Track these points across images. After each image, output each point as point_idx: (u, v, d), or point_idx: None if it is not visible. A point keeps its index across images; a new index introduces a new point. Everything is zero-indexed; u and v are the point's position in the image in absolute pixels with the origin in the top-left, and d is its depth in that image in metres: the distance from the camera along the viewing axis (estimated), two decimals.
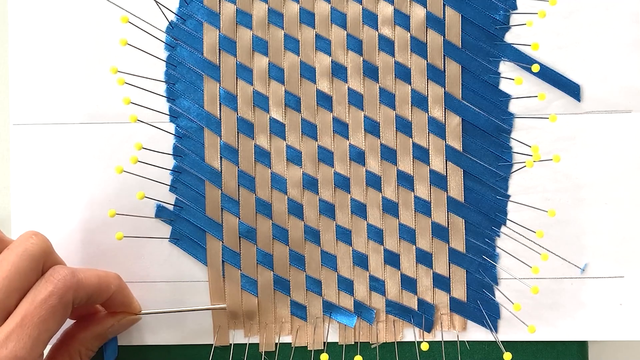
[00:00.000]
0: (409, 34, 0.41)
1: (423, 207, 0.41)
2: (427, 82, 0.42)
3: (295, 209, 0.42)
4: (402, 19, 0.41)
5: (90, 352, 0.39)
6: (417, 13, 0.41)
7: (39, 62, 0.42)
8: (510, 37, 0.41)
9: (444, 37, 0.41)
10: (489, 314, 0.41)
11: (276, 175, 0.42)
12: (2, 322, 0.33)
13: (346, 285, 0.41)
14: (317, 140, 0.42)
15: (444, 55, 0.41)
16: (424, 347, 0.39)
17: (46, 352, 0.38)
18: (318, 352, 0.41)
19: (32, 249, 0.34)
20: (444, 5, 0.41)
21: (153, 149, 0.41)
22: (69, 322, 0.39)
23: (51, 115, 0.42)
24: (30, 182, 0.42)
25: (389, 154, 0.41)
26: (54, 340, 0.38)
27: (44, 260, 0.35)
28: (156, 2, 0.41)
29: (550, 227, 0.41)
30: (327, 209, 0.42)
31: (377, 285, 0.41)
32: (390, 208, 0.41)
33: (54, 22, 0.42)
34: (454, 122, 0.41)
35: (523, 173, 0.41)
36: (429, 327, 0.41)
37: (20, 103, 0.42)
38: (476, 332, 0.41)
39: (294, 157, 0.42)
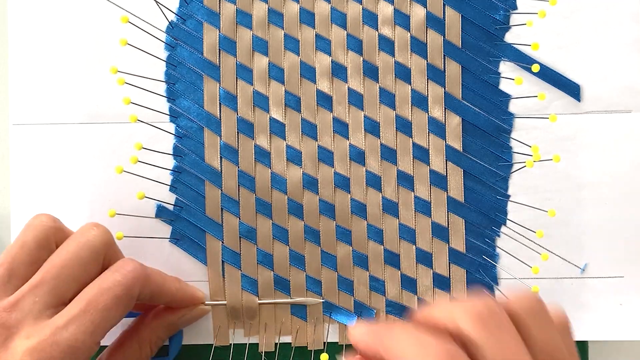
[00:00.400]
0: (409, 34, 0.41)
1: (423, 207, 0.41)
2: (427, 82, 0.42)
3: (295, 209, 0.42)
4: (402, 19, 0.41)
5: (160, 342, 0.39)
6: (417, 13, 0.41)
7: (38, 62, 0.42)
8: (510, 37, 0.41)
9: (444, 37, 0.41)
10: None
11: (276, 175, 0.42)
12: (56, 308, 0.33)
13: (346, 285, 0.41)
14: (317, 140, 0.42)
15: (444, 55, 0.41)
16: None
17: (112, 338, 0.38)
18: (318, 352, 0.41)
19: (94, 240, 0.35)
20: (444, 5, 0.41)
21: (153, 149, 0.41)
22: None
23: (51, 115, 0.42)
24: (30, 182, 0.42)
25: (389, 154, 0.41)
26: (121, 327, 0.38)
27: (104, 252, 0.35)
28: (156, 2, 0.41)
29: (550, 227, 0.41)
30: (327, 209, 0.42)
31: (377, 285, 0.41)
32: (390, 208, 0.41)
33: (54, 22, 0.42)
34: (454, 122, 0.41)
35: (523, 173, 0.41)
36: None
37: (20, 103, 0.42)
38: None
39: (294, 157, 0.42)
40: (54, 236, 0.36)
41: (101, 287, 0.34)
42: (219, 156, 0.42)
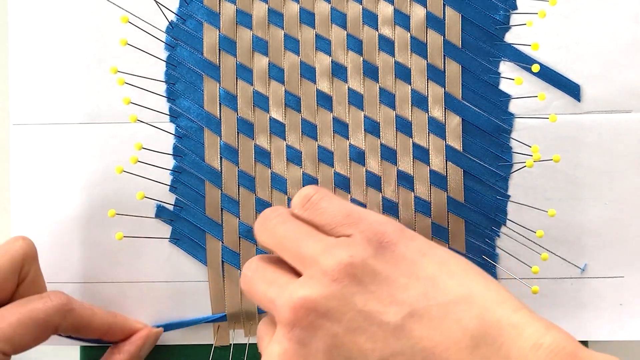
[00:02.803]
0: (409, 34, 0.41)
1: (423, 207, 0.41)
2: (427, 82, 0.42)
3: None
4: (402, 19, 0.41)
5: None
6: (417, 13, 0.41)
7: (38, 62, 0.42)
8: (510, 37, 0.41)
9: (444, 37, 0.41)
10: None
11: (276, 175, 0.42)
12: None
13: None
14: (317, 140, 0.42)
15: (444, 55, 0.41)
16: None
17: None
18: None
19: (16, 251, 0.36)
20: (444, 5, 0.41)
21: (153, 149, 0.41)
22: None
23: (51, 115, 0.42)
24: (30, 182, 0.42)
25: (389, 154, 0.41)
26: None
27: (22, 265, 0.36)
28: (156, 2, 0.41)
29: (550, 227, 0.41)
30: None
31: None
32: (390, 208, 0.41)
33: (54, 22, 0.42)
34: (454, 122, 0.41)
35: (523, 173, 0.41)
36: None
37: (20, 103, 0.42)
38: None
39: (294, 157, 0.42)
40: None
41: (22, 303, 0.35)
42: (219, 156, 0.42)
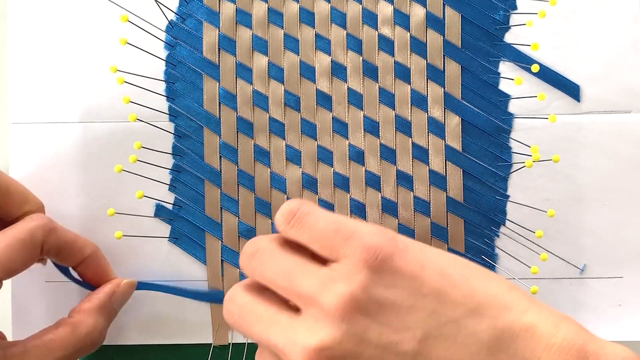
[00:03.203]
0: (408, 34, 0.41)
1: (422, 207, 0.41)
2: (427, 82, 0.42)
3: None
4: (401, 19, 0.41)
5: (98, 327, 0.38)
6: (417, 13, 0.41)
7: (38, 61, 0.42)
8: (510, 37, 0.41)
9: (444, 37, 0.41)
10: None
11: (275, 174, 0.42)
12: None
13: None
14: (316, 140, 0.42)
15: (443, 55, 0.41)
16: None
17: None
18: None
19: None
20: (443, 5, 0.41)
21: (152, 148, 0.41)
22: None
23: (50, 114, 0.42)
24: (29, 181, 0.42)
25: (388, 154, 0.41)
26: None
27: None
28: (156, 1, 0.41)
29: (550, 227, 0.41)
30: (327, 209, 0.41)
31: None
32: (390, 208, 0.41)
33: (53, 20, 0.42)
34: (453, 122, 0.41)
35: (522, 173, 0.41)
36: None
37: (20, 102, 0.42)
38: None
39: (294, 156, 0.42)
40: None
41: (6, 231, 0.36)
42: (218, 155, 0.42)
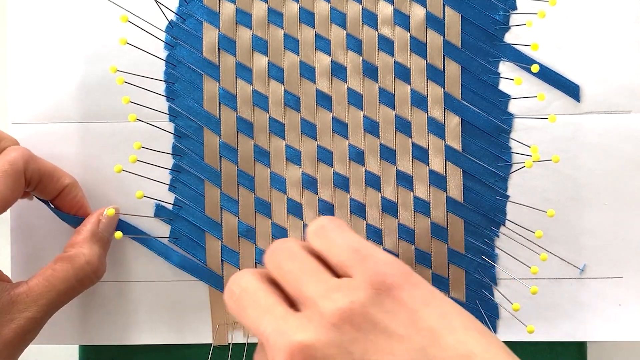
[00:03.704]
0: (408, 34, 0.41)
1: (422, 207, 0.41)
2: (427, 82, 0.42)
3: (295, 209, 0.42)
4: (401, 19, 0.41)
5: (96, 257, 0.39)
6: (417, 13, 0.41)
7: (38, 61, 0.42)
8: (510, 37, 0.41)
9: (444, 37, 0.41)
10: (487, 314, 0.41)
11: (275, 174, 0.42)
12: None
13: None
14: (316, 140, 0.42)
15: (443, 56, 0.41)
16: None
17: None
18: None
19: (11, 157, 0.38)
20: (443, 5, 0.41)
21: (152, 148, 0.41)
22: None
23: (50, 114, 0.42)
24: None
25: (388, 154, 0.41)
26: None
27: (23, 166, 0.38)
28: (156, 1, 0.40)
29: (550, 227, 0.41)
30: (327, 209, 0.42)
31: None
32: (390, 208, 0.41)
33: (53, 20, 0.42)
34: (453, 122, 0.41)
35: (522, 173, 0.41)
36: None
37: (19, 102, 0.42)
38: None
39: (294, 156, 0.42)
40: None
41: None
42: (218, 155, 0.42)
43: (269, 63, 0.42)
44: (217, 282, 0.42)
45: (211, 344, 0.42)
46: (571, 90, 0.41)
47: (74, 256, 0.38)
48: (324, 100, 0.42)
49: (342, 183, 0.42)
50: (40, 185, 0.39)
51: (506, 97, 0.41)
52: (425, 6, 0.41)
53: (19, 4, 0.42)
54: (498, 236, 0.41)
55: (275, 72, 0.42)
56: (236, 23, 0.42)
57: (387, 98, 0.41)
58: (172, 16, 0.42)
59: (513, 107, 0.41)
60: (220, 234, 0.42)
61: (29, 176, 0.38)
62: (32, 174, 0.38)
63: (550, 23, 0.41)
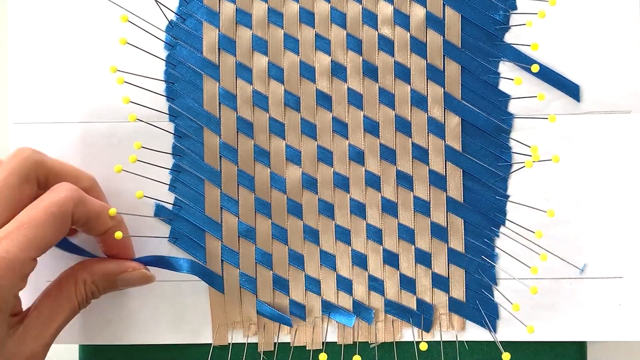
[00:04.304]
0: (408, 34, 0.41)
1: (422, 207, 0.41)
2: (427, 82, 0.41)
3: (295, 209, 0.42)
4: (401, 19, 0.41)
5: (94, 288, 0.39)
6: (417, 13, 0.41)
7: (38, 61, 0.42)
8: (510, 37, 0.41)
9: (444, 37, 0.41)
10: (487, 314, 0.41)
11: (275, 174, 0.42)
12: None
13: (345, 285, 0.41)
14: (316, 140, 0.42)
15: (443, 55, 0.41)
16: (423, 347, 0.39)
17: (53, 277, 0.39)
18: (317, 352, 0.41)
19: (22, 163, 0.37)
20: (443, 5, 0.41)
21: (152, 148, 0.41)
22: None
23: (50, 114, 0.42)
24: None
25: (388, 154, 0.41)
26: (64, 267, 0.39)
27: (35, 173, 0.37)
28: (156, 1, 0.40)
29: (549, 227, 0.41)
30: (327, 209, 0.42)
31: (376, 285, 0.41)
32: (390, 208, 0.41)
33: (53, 21, 0.42)
34: (453, 122, 0.41)
35: (522, 173, 0.41)
36: (427, 327, 0.41)
37: (20, 102, 0.42)
38: (475, 332, 0.41)
39: (293, 156, 0.42)
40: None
41: (36, 206, 0.36)
42: (218, 155, 0.42)
43: (269, 63, 0.42)
44: (217, 283, 0.42)
45: (211, 344, 0.42)
46: (571, 90, 0.41)
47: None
48: (324, 100, 0.42)
49: (342, 183, 0.42)
50: (85, 227, 0.38)
51: (506, 97, 0.41)
52: (425, 6, 0.41)
53: (19, 5, 0.42)
54: (498, 236, 0.41)
55: (275, 72, 0.42)
56: (236, 23, 0.42)
57: (387, 98, 0.41)
58: (172, 16, 0.42)
59: (513, 107, 0.41)
60: (220, 234, 0.42)
61: (76, 219, 0.37)
62: (80, 217, 0.37)
63: (550, 23, 0.41)
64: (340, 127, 0.42)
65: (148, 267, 0.41)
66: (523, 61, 0.41)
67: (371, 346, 0.42)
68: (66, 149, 0.42)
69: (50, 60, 0.42)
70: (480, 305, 0.41)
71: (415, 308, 0.41)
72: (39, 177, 0.38)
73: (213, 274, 0.41)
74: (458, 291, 0.41)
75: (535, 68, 0.39)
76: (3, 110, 0.44)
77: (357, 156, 0.42)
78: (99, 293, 0.39)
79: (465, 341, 0.42)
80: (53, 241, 0.36)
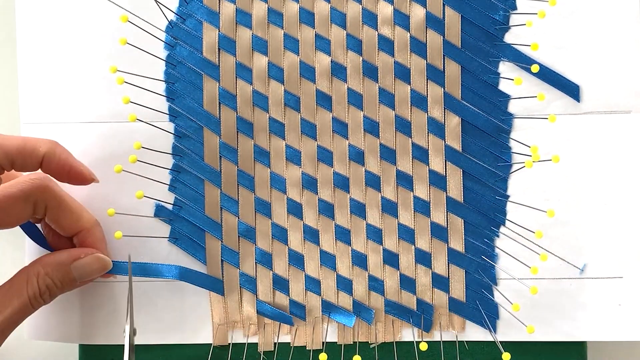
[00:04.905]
0: (408, 34, 0.41)
1: (422, 207, 0.41)
2: (427, 82, 0.41)
3: (295, 209, 0.42)
4: (401, 19, 0.41)
5: (49, 280, 0.39)
6: (417, 13, 0.41)
7: (39, 62, 0.42)
8: (510, 37, 0.41)
9: (444, 37, 0.41)
10: (487, 314, 0.41)
11: (275, 174, 0.42)
12: None
13: (345, 285, 0.41)
14: (316, 140, 0.42)
15: (443, 56, 0.41)
16: (423, 347, 0.39)
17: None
18: (317, 352, 0.41)
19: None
20: (443, 5, 0.41)
21: (152, 148, 0.41)
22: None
23: (50, 114, 0.42)
24: None
25: (388, 154, 0.41)
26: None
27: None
28: (156, 1, 0.40)
29: (550, 227, 0.41)
30: (326, 209, 0.42)
31: (376, 285, 0.41)
32: (390, 208, 0.41)
33: (58, 23, 0.42)
34: (453, 122, 0.41)
35: (522, 173, 0.41)
36: (427, 327, 0.41)
37: (28, 103, 0.42)
38: (475, 332, 0.41)
39: (293, 156, 0.42)
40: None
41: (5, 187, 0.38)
42: (218, 155, 0.42)
43: (269, 63, 0.42)
44: (217, 287, 0.42)
45: (211, 344, 0.42)
46: (571, 90, 0.41)
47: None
48: (324, 100, 0.42)
49: (342, 183, 0.42)
50: (56, 222, 0.39)
51: (506, 97, 0.41)
52: (425, 6, 0.41)
53: (27, 9, 0.42)
54: (498, 236, 0.41)
55: (275, 72, 0.42)
56: (236, 23, 0.42)
57: (387, 98, 0.41)
58: (172, 16, 0.42)
59: (513, 107, 0.41)
60: (220, 234, 0.42)
61: (37, 206, 0.38)
62: (39, 204, 0.38)
63: (550, 23, 0.41)
64: (340, 127, 0.42)
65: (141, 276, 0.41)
66: (523, 61, 0.41)
67: (371, 346, 0.42)
68: (66, 149, 0.42)
69: (49, 60, 0.42)
70: (480, 305, 0.41)
71: (415, 308, 0.41)
72: (38, 201, 0.38)
73: (204, 275, 0.41)
74: (458, 291, 0.41)
75: (535, 68, 0.39)
76: (15, 111, 0.43)
77: (357, 156, 0.42)
78: (56, 287, 0.39)
79: (465, 341, 0.42)
80: (12, 220, 0.38)
